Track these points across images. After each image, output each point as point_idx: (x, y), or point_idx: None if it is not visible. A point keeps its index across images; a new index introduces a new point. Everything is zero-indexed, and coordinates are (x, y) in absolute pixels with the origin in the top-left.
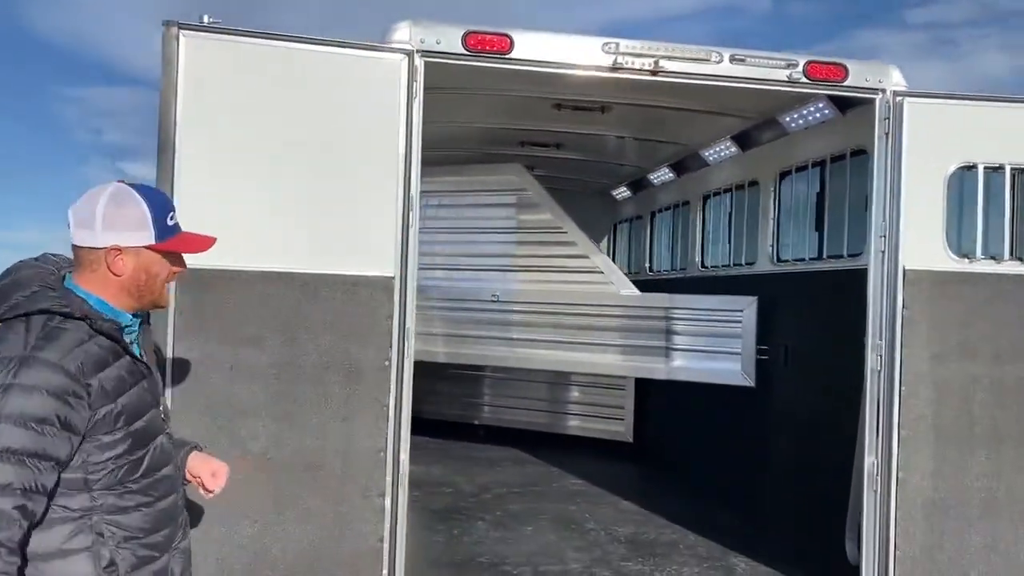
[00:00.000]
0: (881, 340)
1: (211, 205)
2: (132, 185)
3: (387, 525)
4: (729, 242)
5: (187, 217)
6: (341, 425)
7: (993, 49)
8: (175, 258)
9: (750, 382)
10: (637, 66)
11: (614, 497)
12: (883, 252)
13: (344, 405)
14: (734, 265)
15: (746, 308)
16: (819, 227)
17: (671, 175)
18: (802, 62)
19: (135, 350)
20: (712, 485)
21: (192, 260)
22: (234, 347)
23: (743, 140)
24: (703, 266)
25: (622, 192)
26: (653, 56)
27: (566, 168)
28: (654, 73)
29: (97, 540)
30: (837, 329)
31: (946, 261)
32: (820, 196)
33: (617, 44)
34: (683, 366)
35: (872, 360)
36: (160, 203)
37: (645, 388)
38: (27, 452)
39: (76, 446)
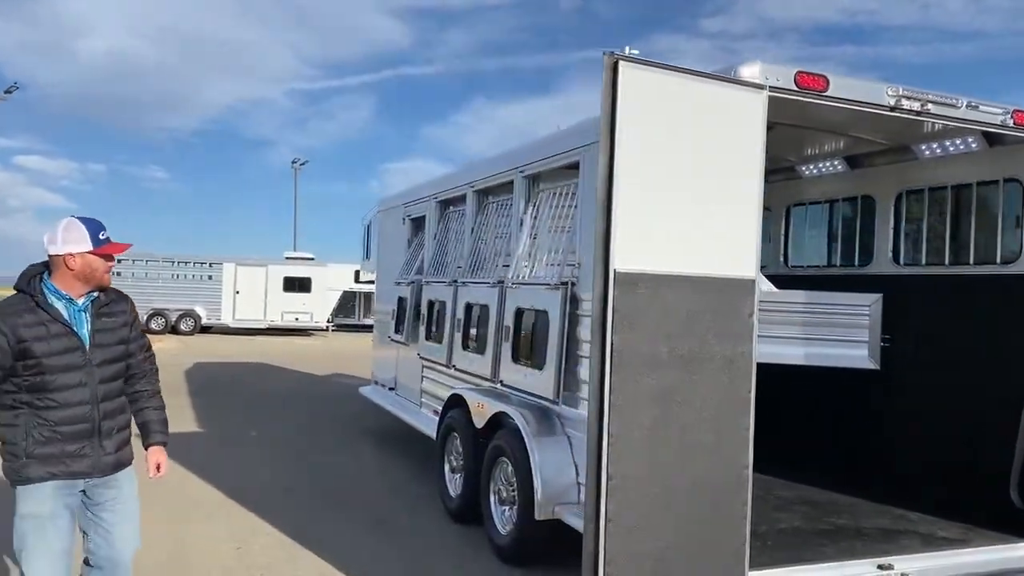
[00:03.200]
0: None
1: (641, 217)
2: (78, 217)
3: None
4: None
5: (624, 224)
6: (724, 407)
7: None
8: (107, 257)
9: (875, 365)
10: (907, 107)
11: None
12: None
13: (725, 391)
14: (858, 265)
15: (872, 304)
16: (953, 238)
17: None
18: (1011, 110)
19: (73, 318)
20: (838, 461)
21: (627, 265)
22: (657, 342)
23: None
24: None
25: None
26: (921, 100)
27: None
28: (919, 113)
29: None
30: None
31: None
32: (954, 215)
33: (899, 88)
34: (816, 352)
35: None
36: (94, 226)
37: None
38: None
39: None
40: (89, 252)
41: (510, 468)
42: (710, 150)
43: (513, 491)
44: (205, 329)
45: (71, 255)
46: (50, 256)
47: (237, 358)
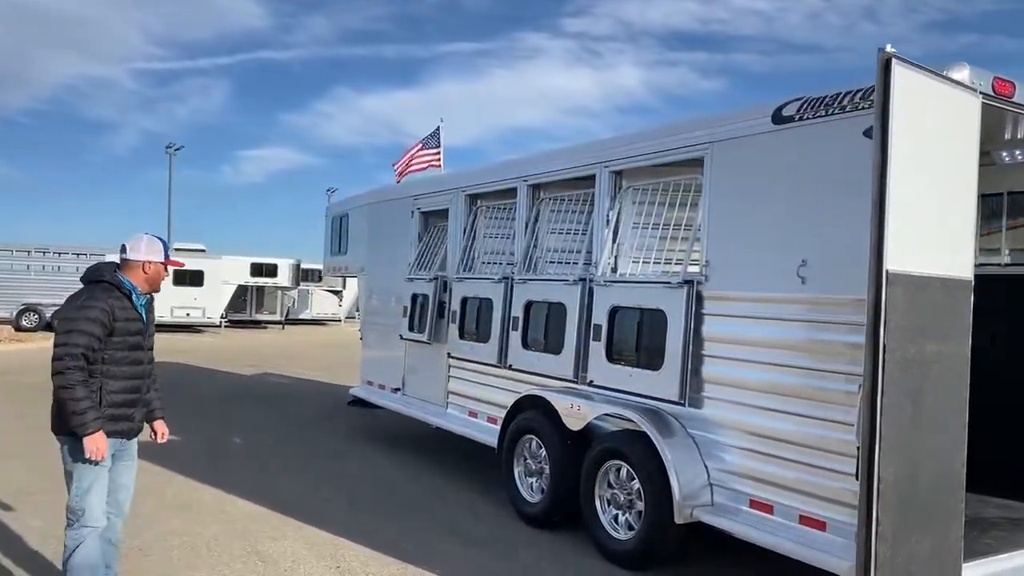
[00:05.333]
0: None
1: (905, 217)
2: (156, 236)
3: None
4: None
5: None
6: (950, 407)
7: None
8: (166, 268)
9: None
10: None
11: None
12: None
13: (951, 391)
14: None
15: None
16: None
17: None
18: None
19: (140, 309)
20: None
21: (897, 265)
22: (910, 342)
23: None
24: None
25: None
26: None
27: None
28: None
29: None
30: None
31: None
32: None
33: None
34: None
35: None
36: (165, 244)
37: None
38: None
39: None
40: (160, 262)
41: (625, 471)
42: (947, 150)
43: (629, 495)
44: None
45: (149, 263)
46: (130, 260)
47: None
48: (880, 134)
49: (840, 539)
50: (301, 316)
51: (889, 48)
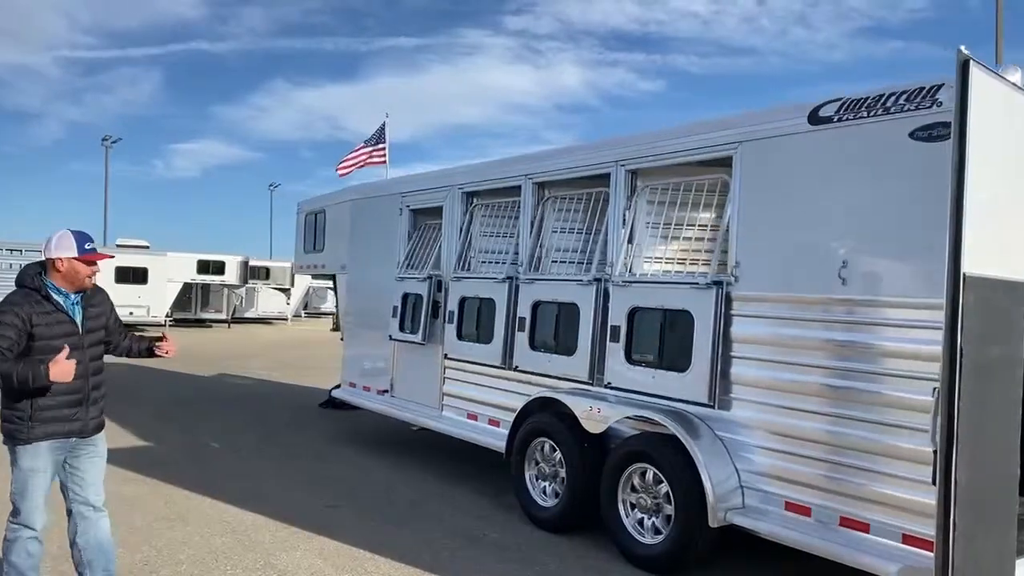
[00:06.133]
0: None
1: (983, 219)
2: (71, 231)
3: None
4: None
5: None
6: (1008, 410)
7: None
8: (89, 263)
9: None
10: None
11: None
12: None
13: (1008, 394)
14: None
15: None
16: None
17: None
18: None
19: (68, 310)
20: None
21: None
22: (980, 345)
23: None
24: None
25: None
26: None
27: None
28: None
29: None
30: None
31: None
32: None
33: None
34: None
35: None
36: (81, 237)
37: None
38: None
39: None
40: (74, 258)
41: (651, 475)
42: (1014, 152)
43: (656, 499)
44: None
45: (60, 259)
46: (46, 259)
47: None
48: (958, 136)
49: (885, 540)
50: (247, 315)
51: (963, 49)
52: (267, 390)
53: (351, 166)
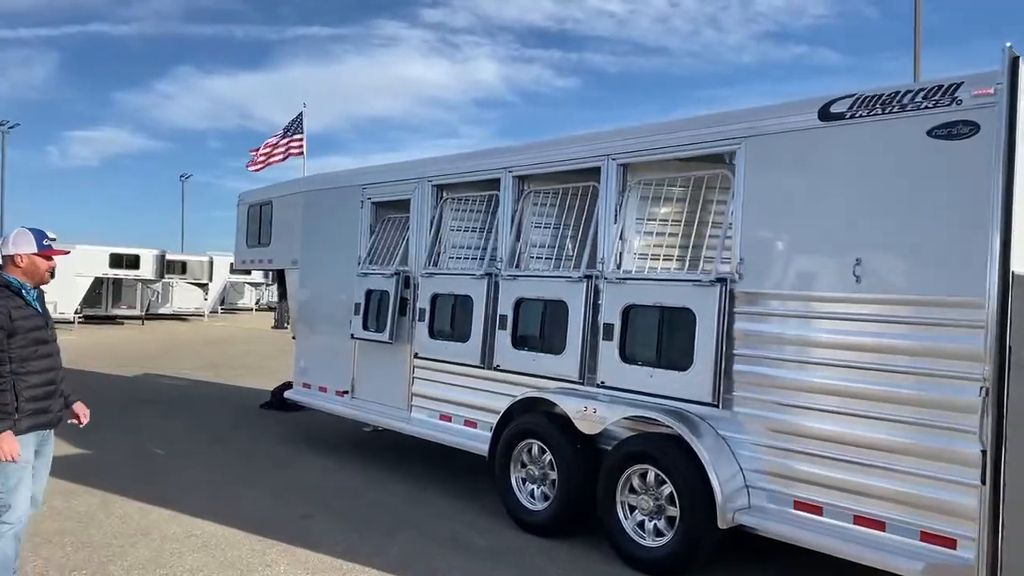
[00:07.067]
0: None
1: None
2: (27, 228)
3: None
4: None
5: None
6: None
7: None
8: (47, 258)
9: None
10: None
11: None
12: None
13: None
14: None
15: None
16: None
17: None
18: None
19: (34, 304)
20: None
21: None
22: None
23: None
24: None
25: None
26: None
27: None
28: None
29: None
30: None
31: None
32: None
33: None
34: None
35: None
36: (39, 234)
37: None
38: None
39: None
40: (34, 254)
41: (652, 476)
42: None
43: (658, 501)
44: None
45: (20, 256)
46: (5, 256)
47: None
48: (1007, 134)
49: (901, 538)
50: (161, 311)
51: (1008, 46)
52: (201, 391)
53: (265, 162)
